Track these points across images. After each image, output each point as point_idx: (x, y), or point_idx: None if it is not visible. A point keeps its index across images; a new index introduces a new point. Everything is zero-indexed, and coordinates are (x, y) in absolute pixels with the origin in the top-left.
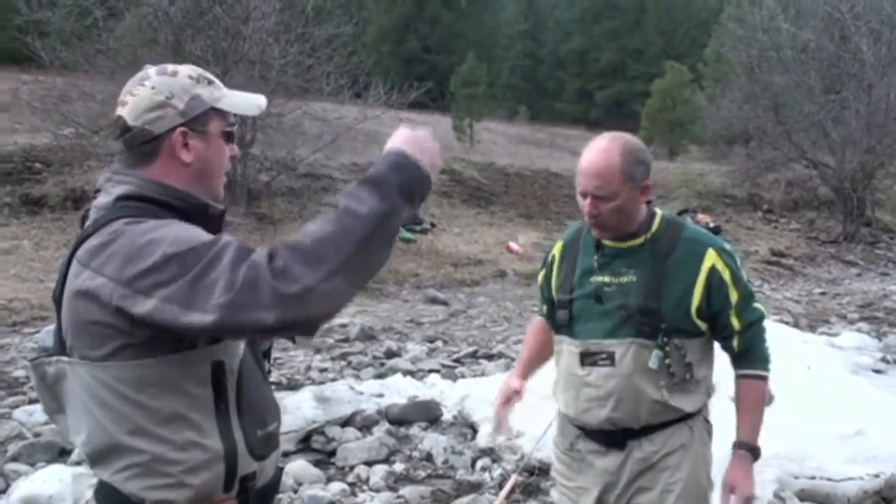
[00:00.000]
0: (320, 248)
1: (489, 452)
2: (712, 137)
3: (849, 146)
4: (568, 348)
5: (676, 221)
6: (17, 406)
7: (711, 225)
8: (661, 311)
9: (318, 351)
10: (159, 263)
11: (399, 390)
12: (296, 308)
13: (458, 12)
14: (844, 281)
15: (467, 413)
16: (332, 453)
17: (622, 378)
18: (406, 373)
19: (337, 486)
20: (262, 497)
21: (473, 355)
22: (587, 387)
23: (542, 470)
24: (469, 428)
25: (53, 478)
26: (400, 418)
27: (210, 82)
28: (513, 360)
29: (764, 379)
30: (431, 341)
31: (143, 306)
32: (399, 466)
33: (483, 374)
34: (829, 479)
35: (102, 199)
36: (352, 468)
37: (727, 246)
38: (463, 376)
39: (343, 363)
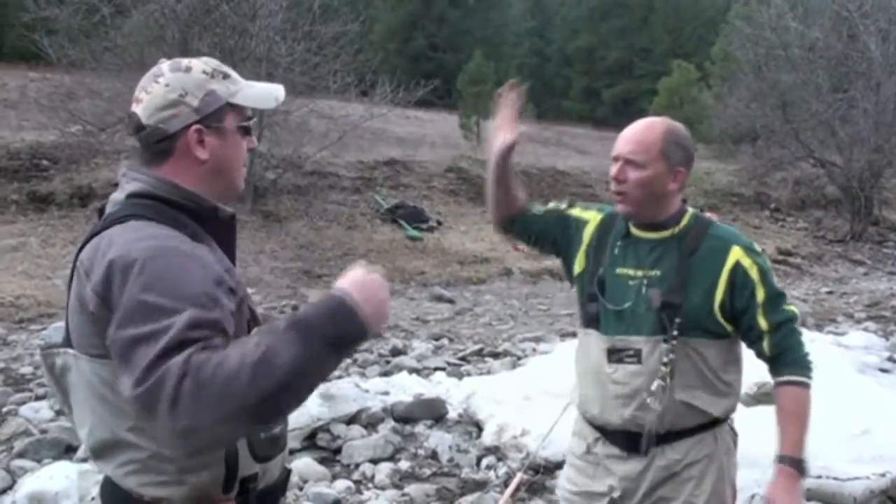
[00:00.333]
0: (227, 390)
1: (494, 451)
2: (719, 136)
3: (856, 145)
4: (596, 343)
5: (705, 219)
6: (23, 403)
7: None
8: (683, 308)
9: None
10: (128, 302)
11: (404, 388)
12: (178, 441)
13: (465, 10)
14: (851, 280)
15: (473, 411)
16: (338, 451)
17: (648, 376)
18: (412, 371)
19: (342, 484)
20: (266, 498)
21: (479, 353)
22: (613, 384)
23: (548, 468)
24: (475, 426)
25: (59, 474)
26: (405, 416)
27: (226, 76)
28: (519, 358)
29: (804, 386)
30: (437, 339)
31: (109, 330)
32: (404, 464)
33: (489, 373)
34: (836, 479)
35: (117, 195)
36: (357, 466)
37: (755, 245)
38: (468, 374)
39: (348, 361)
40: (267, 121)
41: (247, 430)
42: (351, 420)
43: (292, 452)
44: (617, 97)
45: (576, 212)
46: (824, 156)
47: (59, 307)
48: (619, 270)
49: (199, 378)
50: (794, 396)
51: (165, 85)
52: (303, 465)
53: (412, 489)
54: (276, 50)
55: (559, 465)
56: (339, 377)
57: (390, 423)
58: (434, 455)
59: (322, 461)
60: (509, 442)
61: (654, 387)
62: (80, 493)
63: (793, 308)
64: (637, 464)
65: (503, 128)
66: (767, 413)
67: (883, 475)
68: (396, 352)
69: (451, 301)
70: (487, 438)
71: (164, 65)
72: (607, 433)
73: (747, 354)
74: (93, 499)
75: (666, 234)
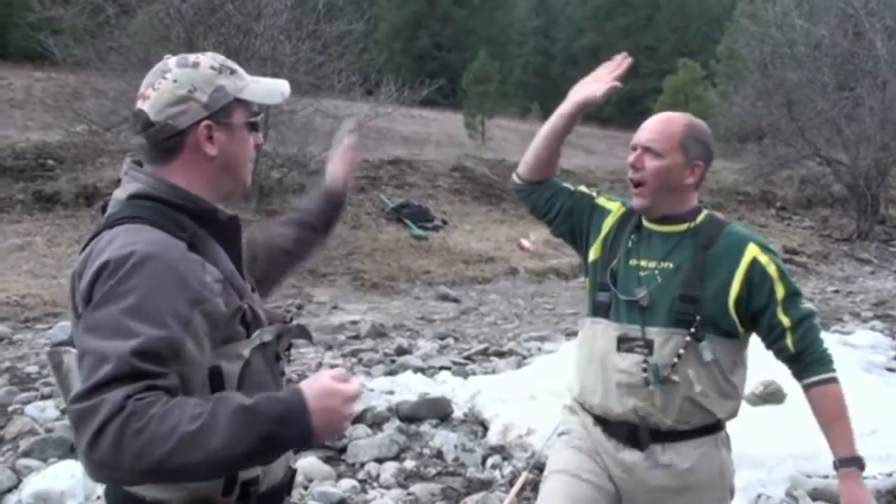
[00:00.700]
0: (148, 450)
1: (500, 450)
2: (725, 134)
3: (863, 143)
4: (605, 331)
5: (721, 219)
6: (29, 402)
7: None
8: (700, 302)
9: (329, 348)
10: (96, 309)
11: (410, 387)
12: (90, 470)
13: (469, 9)
14: (858, 279)
15: (478, 410)
16: (343, 450)
17: (657, 368)
18: (417, 370)
19: (347, 483)
20: (270, 499)
21: (484, 352)
22: (619, 373)
23: None
24: (480, 425)
25: (65, 473)
26: (410, 415)
27: (232, 72)
28: (524, 357)
29: (834, 381)
30: (442, 338)
31: (78, 328)
32: (409, 463)
33: (494, 372)
34: None
35: (118, 193)
36: (362, 465)
37: (771, 244)
38: (474, 373)
39: (354, 360)
40: (272, 120)
41: (147, 483)
42: (356, 419)
43: (297, 452)
44: (622, 96)
45: (602, 200)
46: (830, 154)
47: (65, 306)
48: (631, 262)
49: (126, 425)
50: (830, 395)
51: (174, 81)
52: (308, 464)
53: (417, 488)
54: (280, 49)
55: None
56: None
57: (395, 423)
58: (439, 454)
59: (327, 460)
60: (514, 441)
61: (661, 379)
62: (85, 492)
63: (811, 305)
64: (635, 456)
65: (599, 80)
66: (772, 413)
67: (890, 475)
68: (402, 351)
69: (456, 300)
70: (493, 438)
71: (171, 60)
72: (608, 424)
73: (751, 355)
74: (98, 497)
75: (682, 227)
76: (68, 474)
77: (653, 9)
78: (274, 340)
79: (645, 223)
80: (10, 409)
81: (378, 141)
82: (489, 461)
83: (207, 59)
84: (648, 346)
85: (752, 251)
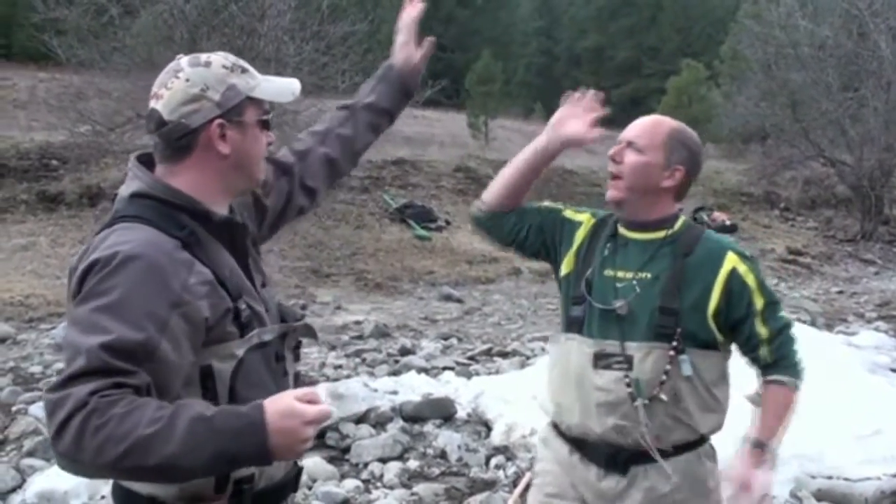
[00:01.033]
0: (104, 447)
1: (503, 450)
2: (729, 135)
3: (867, 144)
4: (579, 348)
5: (698, 227)
6: (33, 402)
7: (728, 223)
8: (680, 314)
9: (332, 348)
10: (79, 304)
11: (413, 387)
12: (58, 459)
13: (473, 10)
14: (862, 279)
15: (482, 411)
16: (347, 450)
17: (638, 384)
18: (420, 370)
19: (351, 483)
20: (268, 498)
21: (488, 353)
22: (598, 391)
23: None
24: (483, 426)
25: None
26: (414, 415)
27: (244, 70)
28: (528, 357)
29: (794, 388)
30: (446, 339)
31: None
32: (413, 464)
33: (497, 372)
34: (847, 479)
35: (122, 191)
36: (366, 465)
37: (749, 253)
38: (477, 374)
39: (357, 360)
40: (276, 121)
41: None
42: (360, 419)
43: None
44: (625, 96)
45: (570, 213)
46: (834, 155)
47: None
48: (607, 272)
49: (87, 422)
50: (782, 395)
51: (186, 80)
52: (311, 464)
53: (421, 488)
54: (284, 50)
55: None
56: (348, 376)
57: (399, 423)
58: (443, 454)
59: (331, 460)
60: (518, 441)
61: (650, 396)
62: (89, 492)
63: (787, 315)
64: (617, 483)
65: (580, 119)
66: None
67: (894, 476)
68: (405, 351)
69: (459, 300)
70: (496, 438)
71: (183, 60)
72: (586, 446)
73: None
74: (102, 497)
75: (658, 235)
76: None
77: (656, 9)
78: (276, 340)
79: (621, 231)
80: (14, 408)
81: (381, 141)
82: (493, 461)
83: (219, 58)
84: (628, 361)
85: (731, 261)
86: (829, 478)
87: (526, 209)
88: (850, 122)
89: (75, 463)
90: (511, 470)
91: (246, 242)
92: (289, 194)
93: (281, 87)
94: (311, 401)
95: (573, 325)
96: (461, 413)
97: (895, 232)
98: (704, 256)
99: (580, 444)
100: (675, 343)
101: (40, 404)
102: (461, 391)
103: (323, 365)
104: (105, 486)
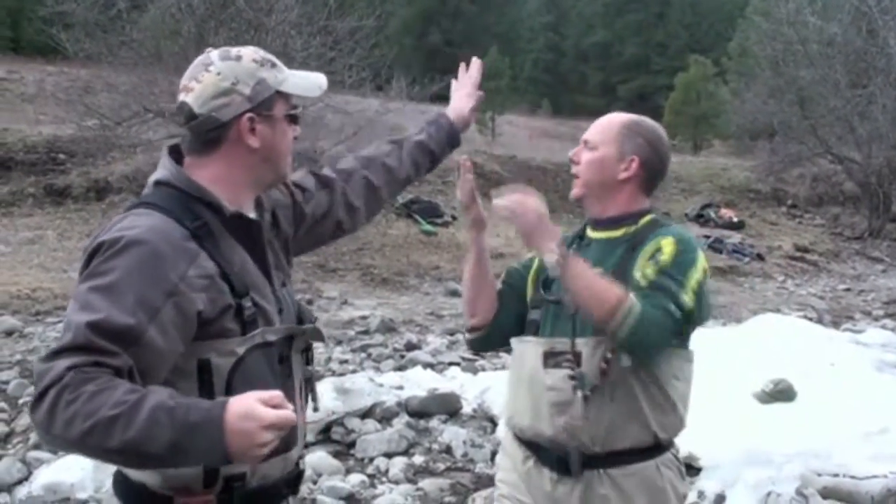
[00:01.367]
0: (70, 423)
1: None
2: (736, 132)
3: (875, 141)
4: (533, 349)
5: (662, 222)
6: None
7: (735, 220)
8: None
9: (338, 343)
10: (80, 283)
11: (419, 383)
12: (36, 429)
13: (480, 5)
14: (869, 277)
15: (487, 406)
16: (352, 445)
17: (585, 380)
18: (426, 365)
19: (356, 478)
20: (260, 497)
21: None
22: (549, 391)
23: None
24: (489, 421)
25: (75, 466)
26: (420, 411)
27: (273, 65)
28: None
29: (624, 301)
30: (452, 334)
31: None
32: (418, 459)
33: (503, 368)
34: (853, 477)
35: (151, 178)
36: (371, 460)
37: (694, 242)
38: (483, 369)
39: (363, 355)
40: None
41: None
42: (365, 414)
43: (306, 446)
44: (633, 92)
45: (526, 258)
46: (842, 152)
47: None
48: None
49: (60, 395)
50: (614, 288)
51: (217, 73)
52: (317, 458)
53: (426, 483)
54: (291, 45)
55: None
56: (354, 371)
57: (404, 418)
58: (448, 450)
59: (336, 455)
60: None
61: (587, 390)
62: (95, 484)
63: (687, 301)
64: (571, 489)
65: (467, 201)
66: (782, 410)
67: None
68: (411, 346)
69: None
70: (502, 433)
71: (213, 53)
72: (539, 451)
73: (751, 354)
74: (108, 490)
75: (619, 233)
76: (78, 467)
77: (664, 5)
78: (281, 341)
79: (587, 233)
80: (21, 401)
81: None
82: (498, 457)
83: (249, 52)
84: (576, 357)
85: (663, 240)
86: (836, 475)
87: (500, 303)
88: (859, 119)
89: (48, 435)
90: None
91: (262, 239)
92: (328, 205)
93: (309, 82)
94: (276, 405)
95: (530, 329)
96: (467, 408)
97: None
98: (650, 243)
99: (534, 448)
100: None
101: None
102: (467, 386)
103: (329, 360)
104: (109, 479)
